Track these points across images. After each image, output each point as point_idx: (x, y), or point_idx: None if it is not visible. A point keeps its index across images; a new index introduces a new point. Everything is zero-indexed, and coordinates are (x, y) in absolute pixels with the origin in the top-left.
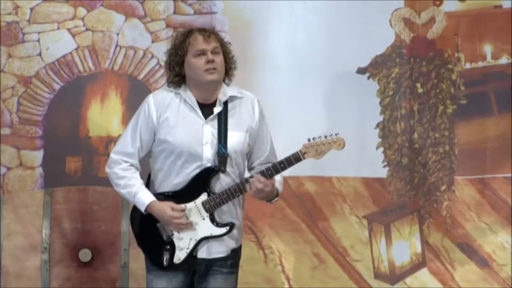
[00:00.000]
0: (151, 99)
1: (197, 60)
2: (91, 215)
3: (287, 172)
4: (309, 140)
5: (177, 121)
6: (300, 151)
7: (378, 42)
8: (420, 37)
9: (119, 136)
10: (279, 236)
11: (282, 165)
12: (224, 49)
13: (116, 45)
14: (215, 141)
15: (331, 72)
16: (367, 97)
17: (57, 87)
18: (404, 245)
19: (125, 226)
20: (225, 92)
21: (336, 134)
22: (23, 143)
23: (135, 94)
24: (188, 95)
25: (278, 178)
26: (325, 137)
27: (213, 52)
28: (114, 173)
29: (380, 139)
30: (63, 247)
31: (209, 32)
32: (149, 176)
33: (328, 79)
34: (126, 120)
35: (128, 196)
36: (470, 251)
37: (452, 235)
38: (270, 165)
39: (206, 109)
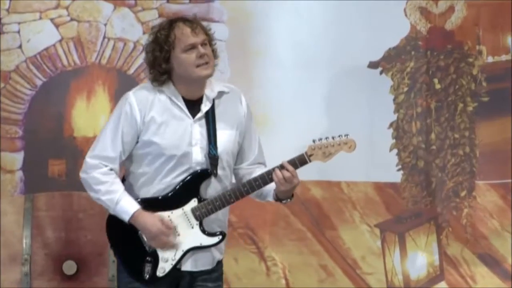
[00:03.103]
0: (132, 98)
1: (187, 56)
2: (76, 223)
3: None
4: (314, 141)
5: (163, 121)
6: (306, 153)
7: (392, 34)
8: (437, 28)
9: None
10: (283, 246)
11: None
12: (210, 39)
13: (104, 37)
14: (205, 141)
15: (339, 67)
16: (379, 94)
17: (39, 83)
18: (420, 257)
19: None
20: (213, 87)
21: (346, 135)
22: (2, 144)
23: (124, 90)
24: (172, 91)
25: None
26: (333, 138)
27: (203, 44)
28: (93, 178)
29: (394, 140)
30: (45, 258)
31: (195, 23)
32: (123, 181)
33: (336, 74)
34: None
35: (109, 204)
36: (493, 263)
37: (473, 245)
38: (270, 169)
39: (192, 106)
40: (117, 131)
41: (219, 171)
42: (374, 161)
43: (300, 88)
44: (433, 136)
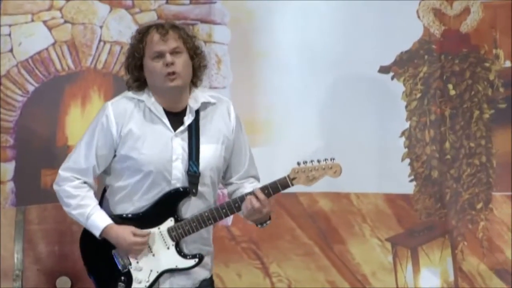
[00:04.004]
0: (109, 109)
1: (154, 64)
2: (70, 237)
3: (298, 187)
4: (298, 164)
5: (141, 134)
6: (288, 176)
7: (404, 37)
8: (452, 31)
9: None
10: (289, 261)
11: (266, 191)
12: (189, 46)
13: (100, 40)
14: (186, 156)
15: (348, 71)
16: (391, 100)
17: (31, 88)
18: (434, 272)
19: None
20: (197, 97)
21: (332, 159)
22: None
23: None
24: (152, 102)
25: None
26: (318, 161)
27: (173, 52)
28: (64, 191)
29: (406, 149)
30: (38, 274)
31: (166, 29)
32: (103, 193)
33: (345, 79)
34: None
35: (80, 219)
36: (510, 279)
37: (490, 260)
38: (251, 190)
39: (174, 118)
40: (91, 144)
41: (201, 188)
42: (385, 171)
43: (306, 93)
44: (447, 145)
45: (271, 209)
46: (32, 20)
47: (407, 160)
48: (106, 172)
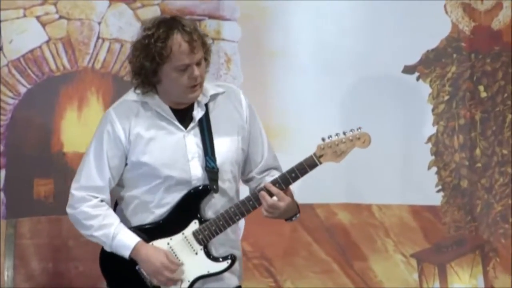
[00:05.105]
0: (113, 115)
1: (178, 76)
2: (66, 253)
3: (314, 198)
4: (323, 139)
5: (151, 137)
6: (315, 154)
7: (430, 34)
8: (483, 27)
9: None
10: (305, 279)
11: (293, 175)
12: (205, 49)
13: (98, 37)
14: (202, 153)
15: (369, 71)
16: (416, 103)
17: (22, 90)
18: None
19: None
20: (206, 91)
21: (358, 128)
22: None
23: None
24: (157, 102)
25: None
26: (344, 133)
27: (198, 63)
28: (82, 212)
29: (433, 157)
30: None
31: (191, 34)
32: (114, 208)
33: (365, 80)
34: None
35: (105, 240)
36: None
37: None
38: (277, 176)
39: (182, 115)
40: (101, 156)
41: (222, 184)
42: (410, 180)
43: (323, 95)
44: (478, 152)
45: (292, 202)
46: (24, 16)
47: (434, 169)
48: (118, 184)
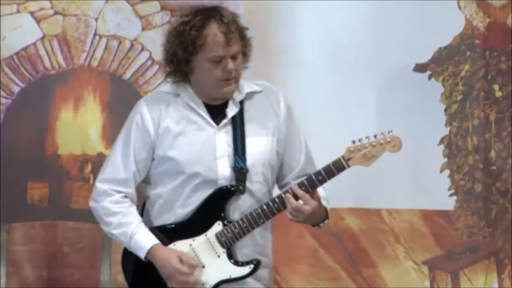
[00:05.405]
0: (143, 106)
1: (211, 67)
2: (61, 260)
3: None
4: (353, 142)
5: (180, 132)
6: (343, 157)
7: (442, 30)
8: (498, 24)
9: (98, 154)
10: (311, 287)
11: (320, 178)
12: (243, 41)
13: (95, 34)
14: (232, 152)
15: (378, 69)
16: (428, 103)
17: (16, 89)
18: None
19: (106, 273)
20: (241, 88)
21: (389, 132)
22: None
23: (119, 98)
24: (190, 95)
25: (321, 192)
26: (375, 136)
27: (234, 57)
28: (103, 208)
29: (445, 159)
30: None
31: (228, 25)
32: (143, 208)
33: (374, 79)
34: (107, 133)
35: (123, 239)
36: None
37: None
38: (303, 178)
39: (215, 111)
40: (128, 148)
41: (250, 186)
42: (421, 184)
43: (330, 95)
44: (492, 154)
45: (318, 206)
46: (18, 11)
47: (447, 172)
48: (145, 180)
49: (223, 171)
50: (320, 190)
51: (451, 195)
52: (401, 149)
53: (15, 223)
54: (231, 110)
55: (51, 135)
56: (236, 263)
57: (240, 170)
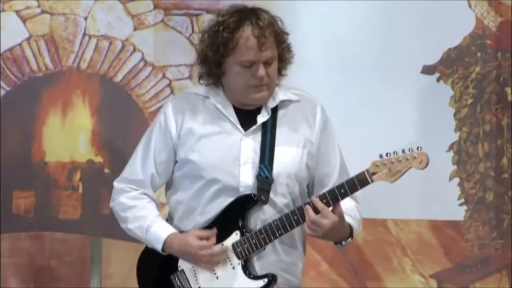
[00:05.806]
0: (169, 106)
1: (242, 72)
2: (48, 273)
3: None
4: (381, 156)
5: (204, 134)
6: (367, 170)
7: (452, 30)
8: (510, 23)
9: (87, 161)
10: None
11: (342, 191)
12: (281, 47)
13: (84, 34)
14: (257, 160)
15: (385, 71)
16: (436, 106)
17: (1, 92)
18: None
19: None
20: (275, 95)
21: (418, 148)
22: None
23: (110, 102)
24: (221, 99)
25: (352, 211)
26: (403, 151)
27: (267, 63)
28: (119, 204)
29: (455, 167)
30: None
31: (264, 29)
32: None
33: (380, 81)
34: (97, 139)
35: (139, 233)
36: None
37: None
38: (326, 190)
39: (245, 117)
40: (148, 149)
41: (274, 197)
42: (429, 193)
43: (334, 97)
44: (505, 161)
45: (340, 222)
46: (3, 10)
47: (456, 180)
48: (168, 185)
49: (245, 179)
50: (352, 209)
51: (461, 204)
52: (427, 166)
53: (0, 234)
54: (262, 117)
55: (38, 141)
56: (250, 276)
57: (264, 180)
